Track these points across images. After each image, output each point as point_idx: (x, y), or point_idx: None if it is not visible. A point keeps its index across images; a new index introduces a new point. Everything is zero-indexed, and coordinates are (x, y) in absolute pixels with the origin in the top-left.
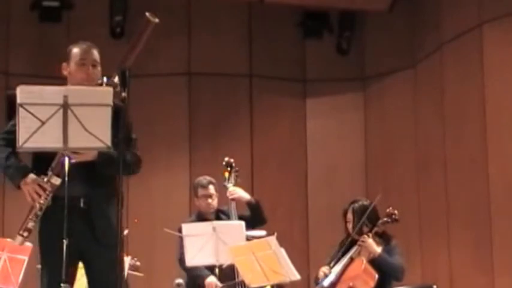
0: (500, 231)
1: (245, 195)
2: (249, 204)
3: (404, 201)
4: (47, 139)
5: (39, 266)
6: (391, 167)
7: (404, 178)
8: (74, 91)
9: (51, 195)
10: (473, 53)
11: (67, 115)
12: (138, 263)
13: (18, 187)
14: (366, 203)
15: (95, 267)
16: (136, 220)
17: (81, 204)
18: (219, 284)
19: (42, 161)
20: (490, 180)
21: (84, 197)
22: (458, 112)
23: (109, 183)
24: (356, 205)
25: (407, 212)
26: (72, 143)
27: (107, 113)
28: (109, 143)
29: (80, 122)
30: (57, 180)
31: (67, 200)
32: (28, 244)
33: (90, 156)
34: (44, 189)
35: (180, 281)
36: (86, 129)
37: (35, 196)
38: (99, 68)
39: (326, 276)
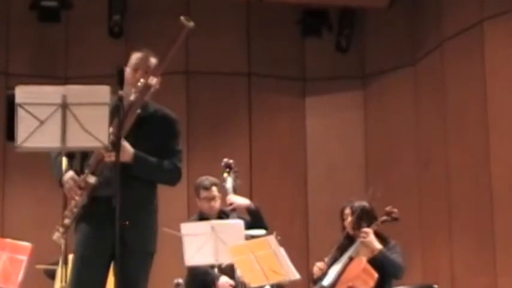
0: (502, 230)
1: (244, 202)
2: (248, 210)
3: (405, 200)
4: (46, 138)
5: (38, 266)
6: (391, 166)
7: (405, 176)
8: (72, 91)
9: (86, 193)
10: (474, 50)
11: (65, 114)
12: None
13: (60, 185)
14: (365, 203)
15: (122, 270)
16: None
17: (114, 204)
18: (233, 283)
19: (87, 159)
20: (492, 179)
21: (117, 197)
22: (459, 110)
23: (147, 188)
24: (356, 205)
25: (409, 211)
26: (71, 143)
27: (105, 112)
28: (106, 142)
29: (79, 122)
30: (92, 179)
31: (103, 199)
32: (27, 244)
33: (123, 156)
34: (80, 188)
35: (179, 280)
36: (84, 129)
37: (72, 193)
38: (149, 75)
39: (322, 272)
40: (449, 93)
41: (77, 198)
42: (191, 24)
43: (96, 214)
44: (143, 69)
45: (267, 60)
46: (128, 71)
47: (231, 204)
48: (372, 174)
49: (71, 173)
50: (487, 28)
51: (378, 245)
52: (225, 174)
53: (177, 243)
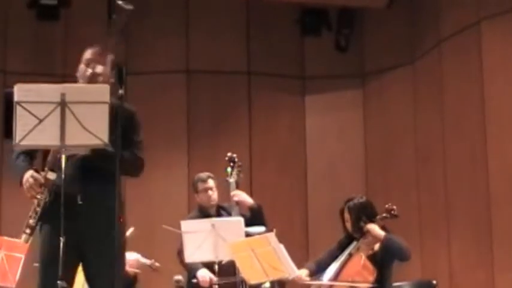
0: (500, 226)
1: (249, 200)
2: (251, 209)
3: (404, 197)
4: (45, 137)
5: (36, 264)
6: (390, 163)
7: (404, 174)
8: (71, 89)
9: (46, 190)
10: (471, 50)
11: (64, 113)
12: (157, 264)
13: (21, 184)
14: (361, 200)
15: (93, 263)
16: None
17: (79, 201)
18: (214, 278)
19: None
20: (490, 176)
21: (82, 193)
22: (457, 108)
23: (107, 180)
24: (351, 203)
25: (407, 207)
26: (70, 141)
27: (104, 110)
28: (106, 140)
29: (78, 120)
30: (52, 175)
31: (65, 197)
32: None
33: (83, 149)
34: (40, 184)
35: (179, 277)
36: (83, 127)
37: (32, 192)
38: (104, 71)
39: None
40: (447, 92)
41: (38, 196)
42: (129, 7)
43: (59, 212)
44: (96, 63)
45: (267, 59)
46: (81, 67)
47: (236, 199)
48: (371, 172)
49: (30, 171)
50: (485, 28)
51: (381, 233)
52: (229, 169)
53: (176, 241)
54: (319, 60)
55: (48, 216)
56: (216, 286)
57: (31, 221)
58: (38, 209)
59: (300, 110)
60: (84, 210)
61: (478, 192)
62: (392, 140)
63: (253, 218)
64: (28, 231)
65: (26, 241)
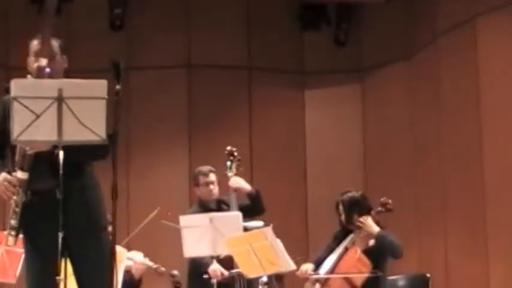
0: (495, 219)
1: (246, 186)
2: (249, 195)
3: (401, 190)
4: (42, 132)
5: None
6: (388, 157)
7: (401, 168)
8: (68, 84)
9: (22, 190)
10: (467, 45)
11: (61, 108)
12: (162, 269)
13: None
14: (355, 194)
15: (80, 256)
16: (169, 213)
17: (58, 196)
18: (225, 272)
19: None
20: (485, 170)
21: (59, 188)
22: (453, 103)
23: (83, 172)
24: (345, 197)
25: (404, 201)
26: (67, 136)
27: (102, 106)
28: (104, 136)
29: (75, 115)
30: (23, 175)
31: (43, 193)
32: None
33: (43, 145)
34: (14, 185)
35: (175, 272)
36: (80, 122)
37: (8, 193)
38: (56, 60)
39: (304, 276)
40: (444, 86)
41: (14, 197)
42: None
43: (39, 208)
44: (45, 55)
45: (267, 54)
46: (31, 59)
47: (234, 184)
48: (370, 166)
49: (3, 174)
50: (480, 23)
51: (376, 228)
52: (228, 163)
53: (174, 236)
54: (318, 55)
55: (30, 212)
56: (215, 281)
57: (13, 222)
58: (17, 209)
59: (299, 104)
60: (65, 204)
61: (474, 185)
62: (390, 134)
63: (253, 205)
64: (13, 233)
65: (14, 243)
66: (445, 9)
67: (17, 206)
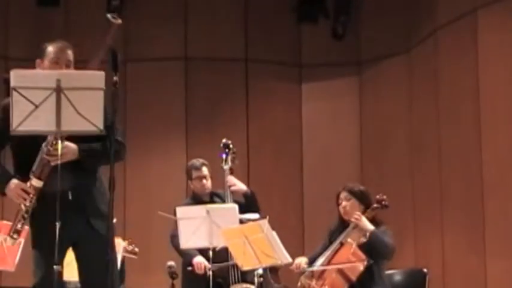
0: (492, 214)
1: (242, 187)
2: (245, 195)
3: (399, 185)
4: (40, 123)
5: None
6: (385, 151)
7: (398, 162)
8: (66, 75)
9: (35, 197)
10: (467, 38)
11: (60, 99)
12: (136, 249)
13: (3, 193)
14: (359, 186)
15: (86, 254)
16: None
17: (70, 197)
18: (208, 264)
19: (24, 165)
20: (483, 165)
21: (72, 190)
22: (452, 97)
23: (93, 172)
24: (351, 185)
25: (401, 196)
26: (65, 127)
27: (100, 96)
28: (101, 126)
29: (73, 106)
30: (39, 183)
31: (55, 195)
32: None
33: (69, 156)
34: (28, 193)
35: (171, 263)
36: (78, 113)
37: (21, 199)
38: (72, 68)
39: (299, 269)
40: (443, 80)
41: (27, 204)
42: (119, 21)
43: (50, 209)
44: (63, 62)
45: (264, 46)
46: (46, 64)
47: (230, 186)
48: (366, 159)
49: (15, 181)
50: (481, 16)
51: (370, 227)
52: (223, 155)
53: (170, 227)
54: (316, 48)
55: (39, 213)
56: (210, 272)
57: (19, 226)
58: (26, 216)
59: (296, 97)
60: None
61: (472, 181)
62: (388, 128)
63: (248, 204)
64: (15, 236)
65: (13, 245)
66: (445, 2)
67: (26, 212)
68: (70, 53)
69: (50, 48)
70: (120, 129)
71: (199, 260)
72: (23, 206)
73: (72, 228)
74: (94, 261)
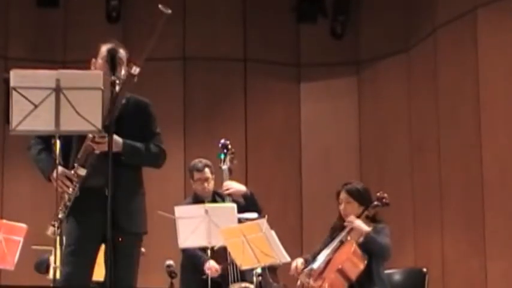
0: (493, 215)
1: (240, 188)
2: (244, 196)
3: (398, 184)
4: (40, 122)
5: (34, 247)
6: (385, 151)
7: (398, 162)
8: (66, 75)
9: (78, 186)
10: (467, 37)
11: (59, 98)
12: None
13: (49, 179)
14: (358, 186)
15: (115, 251)
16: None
17: (106, 193)
18: (218, 267)
19: (69, 154)
20: (484, 164)
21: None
22: (452, 96)
23: (134, 173)
24: (350, 186)
25: (401, 195)
26: (64, 126)
27: (98, 96)
28: (100, 126)
29: (72, 106)
30: (83, 171)
31: (93, 190)
32: (22, 225)
33: (115, 147)
34: (71, 181)
35: (170, 262)
36: (77, 113)
37: (64, 187)
38: (123, 67)
39: (297, 272)
40: (442, 80)
41: (70, 191)
42: (169, 11)
43: (87, 204)
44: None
45: (263, 46)
46: (99, 62)
47: (227, 189)
48: (366, 159)
49: (61, 168)
50: (480, 15)
51: (366, 228)
52: (222, 156)
53: (169, 226)
54: (315, 48)
55: (77, 207)
56: (209, 272)
57: (60, 215)
58: (68, 204)
59: (295, 96)
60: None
61: (472, 180)
62: (387, 127)
63: (247, 205)
64: (56, 224)
65: (53, 234)
66: (444, 1)
67: (69, 200)
68: (121, 51)
69: (103, 48)
70: (158, 135)
71: (211, 265)
72: (66, 195)
73: (104, 229)
74: (120, 259)
